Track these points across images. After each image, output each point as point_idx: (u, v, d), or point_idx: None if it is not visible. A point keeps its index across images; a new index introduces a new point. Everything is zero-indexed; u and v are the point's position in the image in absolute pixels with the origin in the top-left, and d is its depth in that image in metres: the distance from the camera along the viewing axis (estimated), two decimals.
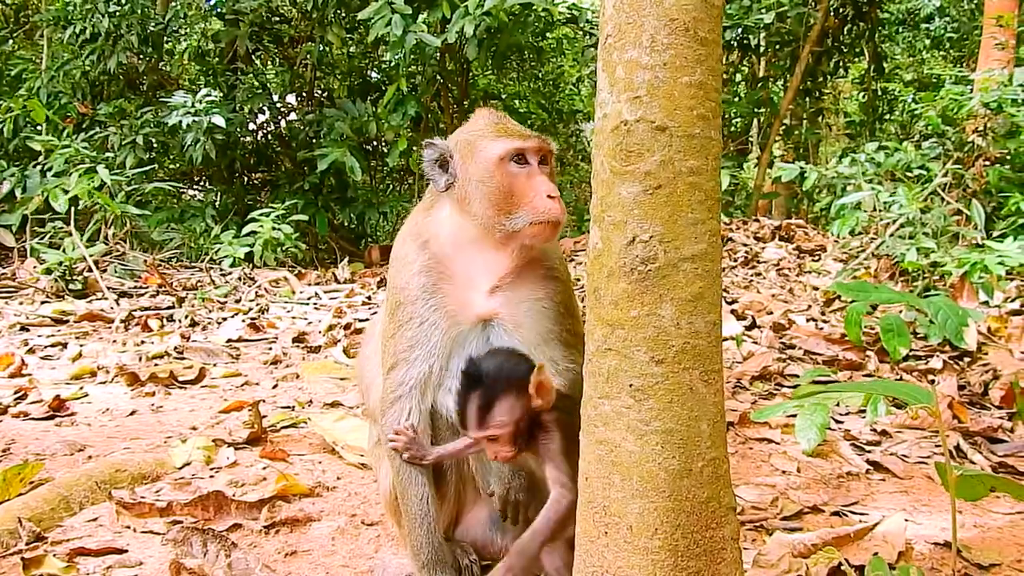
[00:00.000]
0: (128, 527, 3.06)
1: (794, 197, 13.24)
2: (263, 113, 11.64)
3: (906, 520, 3.03)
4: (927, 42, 16.18)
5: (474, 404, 2.28)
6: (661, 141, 1.70)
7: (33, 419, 4.40)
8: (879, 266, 8.15)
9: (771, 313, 6.40)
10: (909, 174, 9.30)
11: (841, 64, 13.42)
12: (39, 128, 10.08)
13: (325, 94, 12.37)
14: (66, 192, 8.26)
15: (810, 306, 6.88)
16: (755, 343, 5.49)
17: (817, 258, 9.62)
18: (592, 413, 1.83)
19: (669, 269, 1.71)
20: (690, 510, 1.76)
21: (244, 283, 8.43)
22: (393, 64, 10.76)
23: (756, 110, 13.23)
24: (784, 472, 3.60)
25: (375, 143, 11.81)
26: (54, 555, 2.76)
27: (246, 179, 11.82)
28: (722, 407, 1.81)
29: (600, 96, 1.79)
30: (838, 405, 4.37)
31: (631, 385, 1.74)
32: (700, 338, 1.74)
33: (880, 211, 8.77)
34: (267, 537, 3.01)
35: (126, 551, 2.87)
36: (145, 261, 8.51)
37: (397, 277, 2.66)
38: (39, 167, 9.51)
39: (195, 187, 12.21)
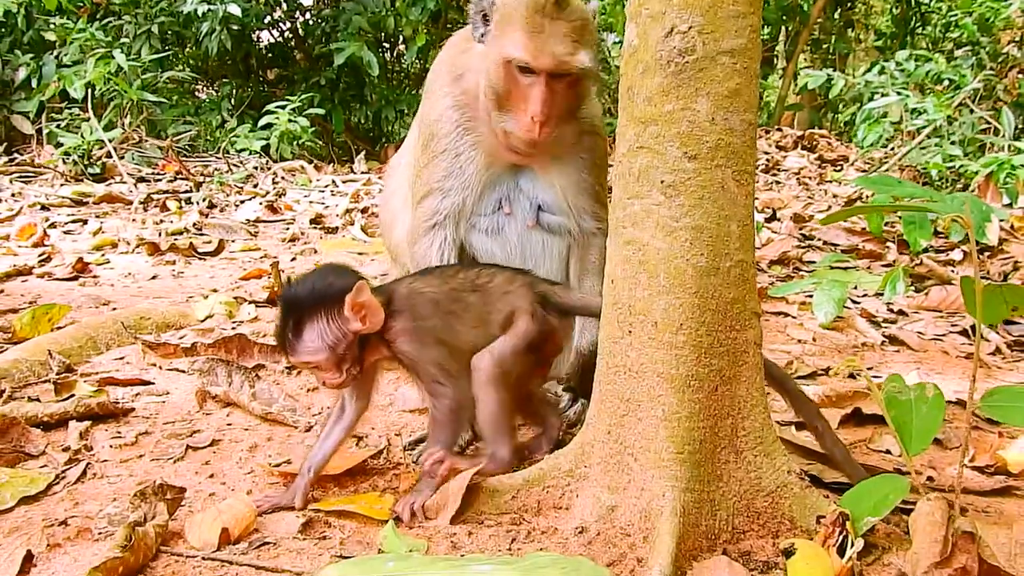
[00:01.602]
0: (154, 364, 3.14)
1: (819, 109, 13.02)
2: (279, 7, 11.44)
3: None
4: None
5: (286, 330, 2.07)
6: None
7: (57, 279, 4.47)
8: (903, 177, 8.07)
9: (791, 209, 6.38)
10: (938, 86, 9.14)
11: None
12: (53, 18, 9.94)
13: None
14: (82, 78, 8.20)
15: (830, 207, 6.85)
16: (774, 233, 5.49)
17: (839, 168, 9.53)
18: (621, 215, 1.85)
19: (707, 62, 1.70)
20: (715, 308, 1.79)
21: (261, 172, 8.44)
22: None
23: (783, 18, 12.90)
24: (800, 341, 3.64)
25: (392, 41, 11.63)
26: (84, 382, 2.84)
27: (261, 75, 11.69)
28: (752, 211, 1.83)
29: None
30: (856, 288, 4.39)
31: (662, 181, 1.75)
32: (735, 136, 1.74)
33: (907, 120, 8.64)
34: (290, 377, 3.07)
35: (153, 383, 2.95)
36: (161, 148, 8.50)
37: (431, 109, 2.66)
38: (55, 55, 9.44)
39: (211, 86, 12.10)
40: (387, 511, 2.05)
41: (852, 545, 1.71)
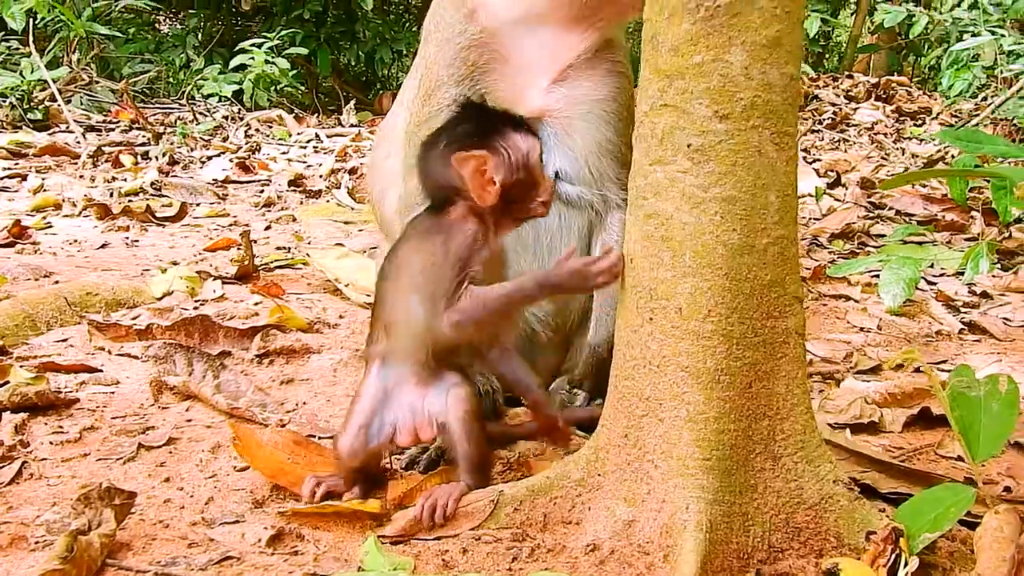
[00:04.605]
0: (102, 349, 3.21)
1: (898, 52, 12.93)
2: None
3: None
4: None
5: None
6: None
7: None
8: (995, 133, 8.03)
9: (859, 172, 6.39)
10: None
11: None
12: None
13: None
14: (22, 4, 8.25)
15: (907, 169, 6.84)
16: (837, 201, 5.50)
17: (920, 123, 9.48)
18: (641, 184, 1.88)
19: (742, 5, 1.72)
20: (749, 292, 1.82)
21: (231, 122, 8.51)
22: None
23: None
24: (863, 329, 3.67)
25: None
26: (20, 367, 2.91)
27: (234, 6, 11.71)
28: (794, 179, 1.85)
29: None
30: (932, 266, 4.41)
31: (689, 145, 1.78)
32: (773, 92, 1.76)
33: (1001, 65, 8.59)
34: (260, 366, 3.14)
35: (100, 371, 3.02)
36: (114, 91, 8.57)
37: (437, 52, 2.62)
38: None
39: (174, 18, 12.15)
40: (379, 506, 2.13)
41: (906, 564, 1.75)
